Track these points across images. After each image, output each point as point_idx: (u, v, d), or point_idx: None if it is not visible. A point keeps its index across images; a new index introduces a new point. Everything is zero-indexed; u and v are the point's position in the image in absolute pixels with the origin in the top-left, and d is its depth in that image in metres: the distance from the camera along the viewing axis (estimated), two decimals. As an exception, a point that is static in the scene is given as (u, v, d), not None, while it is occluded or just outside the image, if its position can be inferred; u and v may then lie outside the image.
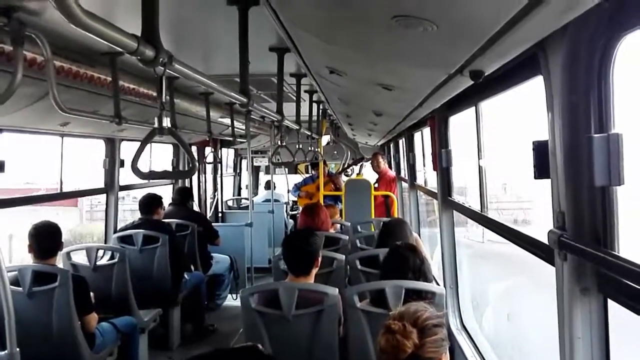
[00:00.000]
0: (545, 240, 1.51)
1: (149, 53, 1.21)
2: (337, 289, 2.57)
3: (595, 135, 1.20)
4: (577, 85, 1.27)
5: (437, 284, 3.83)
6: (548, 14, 0.91)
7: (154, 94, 3.53)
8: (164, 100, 1.43)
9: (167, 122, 1.40)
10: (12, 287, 2.96)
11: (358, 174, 7.05)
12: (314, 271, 2.75)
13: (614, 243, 1.25)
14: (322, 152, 6.44)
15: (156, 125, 1.40)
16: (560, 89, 1.33)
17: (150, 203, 4.69)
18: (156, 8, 1.26)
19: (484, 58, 1.32)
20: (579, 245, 1.31)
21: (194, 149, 6.56)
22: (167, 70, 1.35)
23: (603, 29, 1.14)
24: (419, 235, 5.38)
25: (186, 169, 5.99)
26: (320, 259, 2.81)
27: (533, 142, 1.55)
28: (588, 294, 1.37)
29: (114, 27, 1.07)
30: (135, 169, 1.51)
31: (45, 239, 3.18)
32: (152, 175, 1.90)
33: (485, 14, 0.99)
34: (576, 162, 1.33)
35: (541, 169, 1.51)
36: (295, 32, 1.74)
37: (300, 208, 8.40)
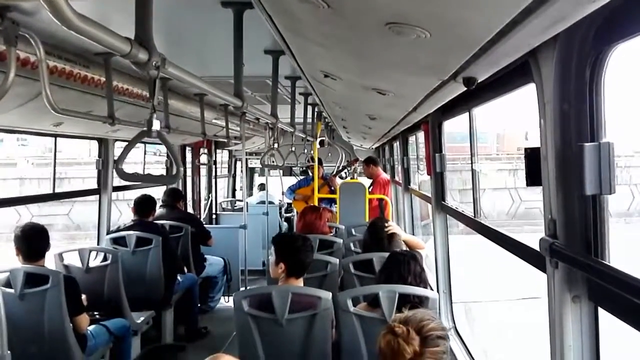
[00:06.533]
0: (536, 247, 1.51)
1: (141, 56, 1.21)
2: (330, 293, 2.57)
3: (587, 144, 1.20)
4: (568, 94, 1.27)
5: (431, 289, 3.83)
6: (538, 24, 0.91)
7: (148, 94, 3.51)
8: (156, 102, 1.42)
9: (157, 125, 1.39)
10: (3, 288, 2.95)
11: (352, 178, 7.02)
12: None
13: (604, 251, 1.26)
14: (316, 155, 6.43)
15: (145, 127, 1.39)
16: (552, 97, 1.33)
17: (146, 204, 4.65)
18: (150, 11, 1.26)
19: (477, 65, 1.33)
20: (569, 254, 1.31)
21: (188, 150, 6.54)
22: (160, 73, 1.34)
23: (592, 40, 1.14)
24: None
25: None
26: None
27: (525, 149, 1.55)
28: (579, 302, 1.37)
29: (107, 29, 1.07)
30: (118, 170, 1.49)
31: (33, 240, 3.15)
32: (135, 177, 1.81)
33: (477, 22, 0.99)
34: (567, 170, 1.33)
35: (533, 176, 1.51)
36: (289, 36, 1.74)
37: (295, 210, 8.37)
